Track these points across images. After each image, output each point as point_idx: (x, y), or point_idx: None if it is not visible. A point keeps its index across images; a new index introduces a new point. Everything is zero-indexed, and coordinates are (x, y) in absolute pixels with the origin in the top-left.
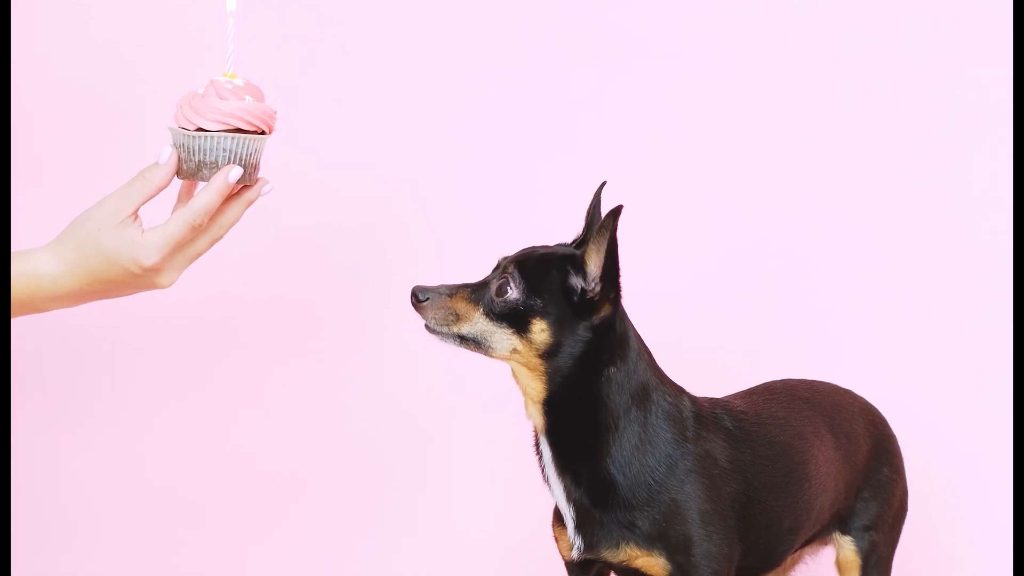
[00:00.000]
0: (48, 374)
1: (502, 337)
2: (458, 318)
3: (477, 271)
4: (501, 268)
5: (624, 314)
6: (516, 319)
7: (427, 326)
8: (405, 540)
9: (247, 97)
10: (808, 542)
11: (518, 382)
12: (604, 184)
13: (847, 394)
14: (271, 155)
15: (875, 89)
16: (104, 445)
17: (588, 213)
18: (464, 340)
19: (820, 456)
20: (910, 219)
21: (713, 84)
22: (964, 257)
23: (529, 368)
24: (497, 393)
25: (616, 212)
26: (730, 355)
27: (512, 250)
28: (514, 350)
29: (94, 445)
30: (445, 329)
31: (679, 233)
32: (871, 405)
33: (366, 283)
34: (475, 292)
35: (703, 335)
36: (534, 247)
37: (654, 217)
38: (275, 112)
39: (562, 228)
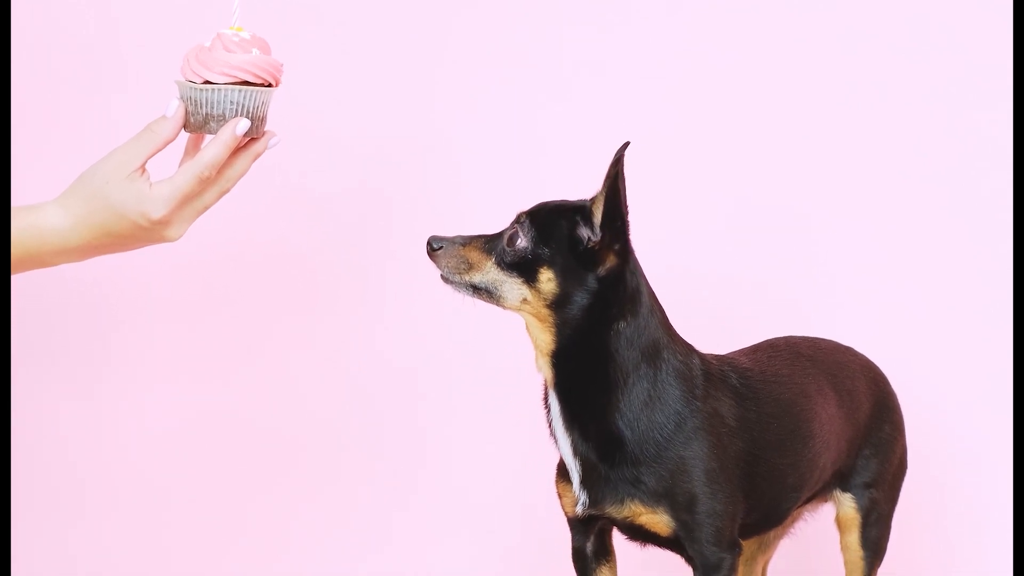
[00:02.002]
0: (40, 328)
1: (512, 287)
2: (470, 267)
3: (479, 229)
4: (515, 220)
5: (637, 269)
6: (525, 268)
7: (442, 276)
8: (403, 501)
9: (254, 50)
10: (809, 499)
11: (529, 334)
12: (628, 144)
13: (849, 352)
14: (277, 108)
15: (876, 87)
16: (98, 402)
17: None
18: (476, 289)
19: (823, 414)
20: (909, 182)
21: (713, 84)
22: (964, 216)
23: (539, 319)
24: (497, 354)
25: (617, 158)
26: (732, 314)
27: (516, 207)
28: (524, 300)
29: (87, 402)
30: (458, 278)
31: (683, 200)
32: (872, 363)
33: (368, 239)
34: (488, 242)
35: (706, 296)
36: (550, 200)
37: (657, 184)
38: (282, 65)
39: (566, 184)
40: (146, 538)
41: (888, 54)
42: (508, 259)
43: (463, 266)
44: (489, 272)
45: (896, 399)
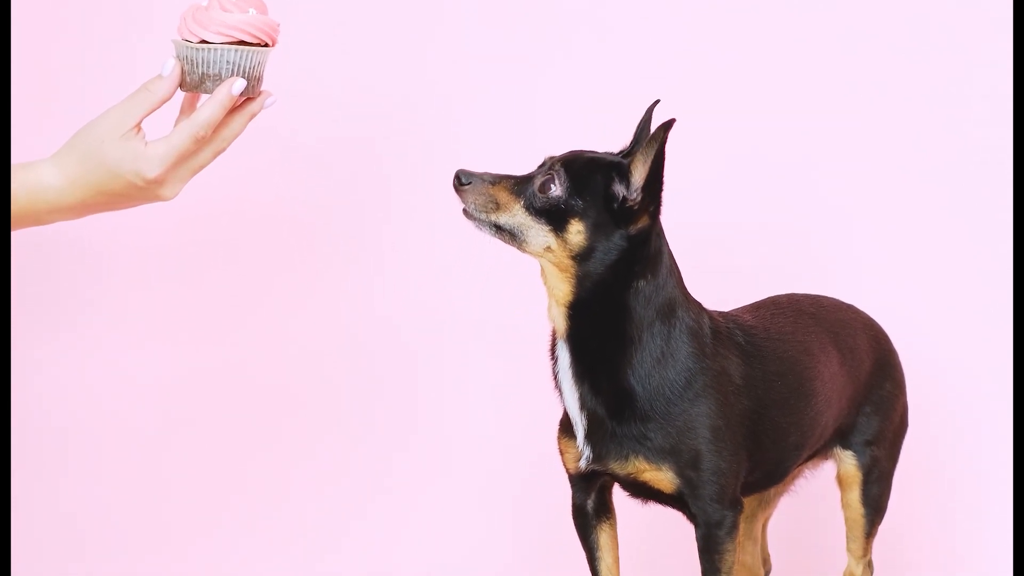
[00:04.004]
0: (40, 287)
1: (538, 233)
2: (498, 207)
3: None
4: (547, 166)
5: (661, 231)
6: (555, 217)
7: (465, 211)
8: (398, 456)
9: (250, 10)
10: (810, 457)
11: (545, 282)
12: (657, 102)
13: (850, 309)
14: (274, 68)
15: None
16: (94, 360)
17: (637, 129)
18: (500, 230)
19: (826, 372)
20: (914, 130)
21: (713, 81)
22: (967, 172)
23: (560, 269)
24: (495, 311)
25: (668, 125)
26: (731, 269)
27: (514, 165)
28: (548, 248)
29: (85, 359)
30: (483, 216)
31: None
32: (874, 320)
33: (364, 199)
34: (518, 184)
35: (705, 248)
36: (582, 150)
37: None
38: (278, 24)
39: (561, 146)
40: (144, 493)
41: (888, 53)
42: (538, 204)
43: (491, 205)
44: (516, 215)
45: (897, 357)
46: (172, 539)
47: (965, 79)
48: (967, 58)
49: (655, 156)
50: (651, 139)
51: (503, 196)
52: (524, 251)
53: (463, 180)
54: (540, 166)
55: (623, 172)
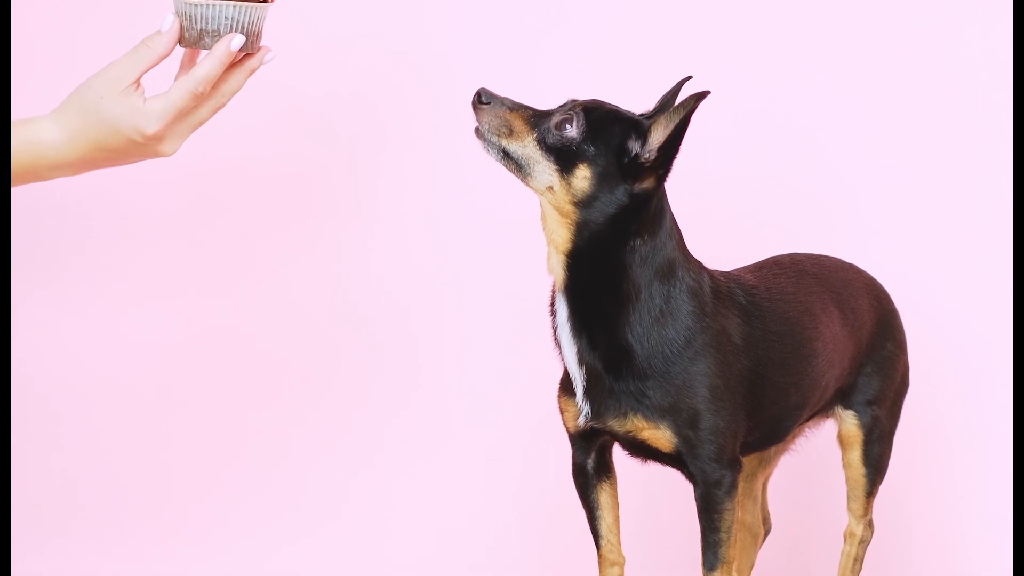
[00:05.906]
0: (35, 244)
1: (544, 169)
2: (511, 133)
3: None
4: (568, 106)
5: (664, 197)
6: (564, 157)
7: (477, 129)
8: (398, 417)
9: None
10: (810, 417)
11: (545, 227)
12: (689, 78)
13: (852, 269)
14: (273, 24)
15: None
16: (93, 318)
17: (662, 99)
18: (507, 157)
19: (827, 332)
20: (921, 92)
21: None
22: (967, 133)
23: (560, 213)
24: (490, 271)
25: (701, 96)
26: (734, 225)
27: None
28: (550, 187)
29: (80, 318)
30: (494, 139)
31: None
32: (875, 280)
33: (362, 156)
34: (536, 117)
35: (709, 204)
36: (605, 101)
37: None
38: None
39: (561, 97)
40: (143, 453)
41: (899, 15)
42: (550, 141)
43: (504, 129)
44: (527, 146)
45: (899, 317)
46: (171, 500)
47: (973, 44)
48: (975, 23)
49: (680, 122)
50: (680, 105)
51: (518, 124)
52: (527, 185)
53: (483, 99)
54: (561, 106)
55: (641, 130)
